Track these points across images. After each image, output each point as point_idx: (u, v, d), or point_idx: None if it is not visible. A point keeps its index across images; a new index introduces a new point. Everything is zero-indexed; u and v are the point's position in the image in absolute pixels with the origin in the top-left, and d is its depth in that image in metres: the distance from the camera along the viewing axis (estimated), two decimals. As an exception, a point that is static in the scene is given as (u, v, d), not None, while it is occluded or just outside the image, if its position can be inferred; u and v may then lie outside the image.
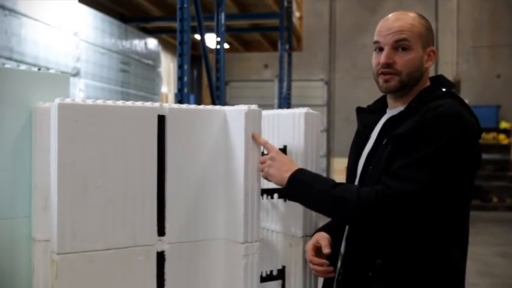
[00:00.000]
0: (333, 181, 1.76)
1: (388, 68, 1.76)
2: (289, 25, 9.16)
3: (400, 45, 1.75)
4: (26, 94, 1.77)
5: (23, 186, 1.77)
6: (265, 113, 1.94)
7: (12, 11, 4.84)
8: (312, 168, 1.90)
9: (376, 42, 1.80)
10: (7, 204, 1.75)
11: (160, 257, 1.70)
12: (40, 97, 1.78)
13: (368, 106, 1.98)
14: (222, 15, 5.82)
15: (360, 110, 2.00)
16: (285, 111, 1.98)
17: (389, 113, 1.84)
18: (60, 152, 1.53)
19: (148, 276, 1.68)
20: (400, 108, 1.80)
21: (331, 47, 13.76)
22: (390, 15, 1.83)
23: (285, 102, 9.20)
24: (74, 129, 1.54)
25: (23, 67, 1.84)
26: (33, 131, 1.77)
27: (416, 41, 1.76)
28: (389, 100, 1.87)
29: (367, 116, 1.95)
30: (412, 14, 1.81)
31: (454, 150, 1.63)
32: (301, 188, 1.75)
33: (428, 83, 1.83)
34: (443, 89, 1.79)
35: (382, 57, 1.76)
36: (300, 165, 1.86)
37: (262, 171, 1.79)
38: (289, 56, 9.53)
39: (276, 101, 11.50)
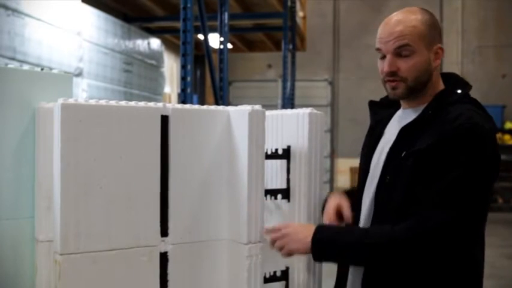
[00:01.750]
0: (360, 229, 1.68)
1: (393, 75, 1.71)
2: (293, 25, 9.15)
3: (402, 51, 1.70)
4: (29, 94, 1.77)
5: (26, 186, 1.77)
6: (268, 113, 1.93)
7: (16, 11, 4.84)
8: (315, 168, 1.89)
9: (378, 49, 1.75)
10: (10, 204, 1.75)
11: (164, 257, 1.70)
12: (43, 97, 1.78)
13: (381, 99, 1.92)
14: (226, 15, 5.81)
15: (372, 104, 1.95)
16: (288, 111, 1.98)
17: (404, 114, 1.79)
18: (63, 152, 1.52)
19: (152, 277, 1.67)
20: (415, 109, 1.75)
21: (335, 46, 13.75)
22: (391, 16, 1.76)
23: (289, 102, 9.20)
24: (77, 129, 1.54)
25: (26, 67, 1.84)
26: (36, 131, 1.77)
27: (419, 43, 1.69)
28: (402, 101, 1.82)
29: (379, 110, 1.91)
30: (413, 14, 1.73)
31: (482, 166, 1.59)
32: (329, 248, 1.67)
33: (440, 82, 1.78)
34: (459, 91, 1.74)
35: (385, 66, 1.71)
36: (304, 165, 1.86)
37: (282, 251, 1.72)
38: (293, 56, 9.52)
39: (279, 101, 11.51)
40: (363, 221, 1.78)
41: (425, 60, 1.71)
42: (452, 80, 1.81)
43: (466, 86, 1.78)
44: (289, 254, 1.74)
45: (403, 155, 1.68)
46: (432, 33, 1.73)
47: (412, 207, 1.61)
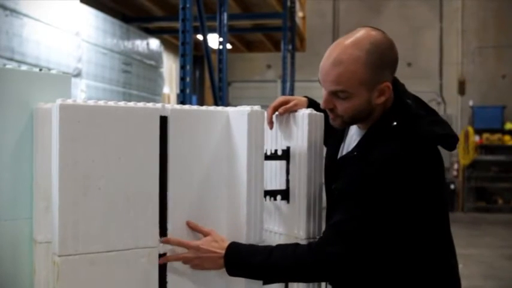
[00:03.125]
0: (266, 249, 1.68)
1: (329, 111, 1.70)
2: (292, 25, 9.14)
3: (338, 95, 1.64)
4: (28, 95, 1.77)
5: (24, 187, 1.76)
6: (268, 113, 1.92)
7: (14, 11, 4.83)
8: (315, 169, 1.88)
9: (318, 80, 1.71)
10: (8, 205, 1.75)
11: (163, 259, 1.69)
12: (41, 98, 1.77)
13: None
14: (225, 15, 5.80)
15: None
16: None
17: (353, 133, 1.80)
18: (61, 153, 1.52)
19: (151, 279, 1.67)
20: (360, 131, 1.76)
21: (334, 47, 13.74)
22: (333, 49, 1.65)
23: (288, 102, 9.16)
24: (76, 130, 1.53)
25: (24, 68, 1.83)
26: (34, 131, 1.76)
27: (357, 88, 1.61)
28: None
29: None
30: (359, 50, 1.59)
31: (378, 209, 1.59)
32: (241, 268, 1.68)
33: (388, 104, 1.68)
34: (395, 122, 1.64)
35: (322, 102, 1.70)
36: (303, 166, 1.85)
37: (194, 268, 1.71)
38: (292, 57, 9.51)
39: (278, 102, 11.47)
40: None
41: (365, 101, 1.64)
42: (395, 101, 1.70)
43: (406, 108, 1.67)
44: (202, 269, 1.73)
45: (333, 187, 1.73)
46: (377, 73, 1.61)
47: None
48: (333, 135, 1.90)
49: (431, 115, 1.71)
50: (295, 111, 1.90)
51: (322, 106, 1.71)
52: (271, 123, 1.92)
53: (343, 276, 1.66)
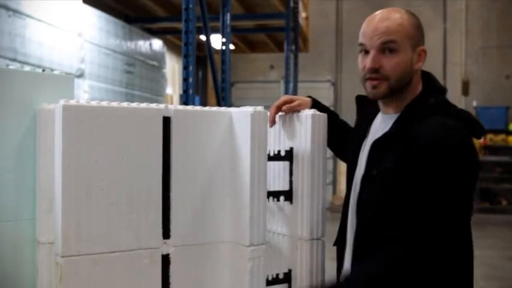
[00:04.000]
0: (358, 275, 1.63)
1: (375, 73, 1.67)
2: (296, 26, 9.14)
3: (387, 47, 1.65)
4: (30, 95, 1.76)
5: (27, 188, 1.76)
6: (271, 114, 1.92)
7: (16, 12, 4.84)
8: (318, 170, 1.87)
9: (361, 44, 1.70)
10: (11, 206, 1.74)
11: (166, 260, 1.69)
12: (44, 98, 1.77)
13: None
14: (228, 16, 5.80)
15: (359, 99, 1.93)
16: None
17: (382, 120, 1.77)
18: (64, 153, 1.52)
19: (153, 280, 1.66)
20: (392, 116, 1.72)
21: (338, 47, 13.74)
22: (377, 13, 1.72)
23: (291, 103, 9.16)
24: (79, 130, 1.53)
25: (27, 68, 1.83)
26: (37, 132, 1.76)
27: (404, 42, 1.65)
28: (380, 104, 1.79)
29: (365, 106, 1.88)
30: (399, 13, 1.69)
31: (450, 182, 1.55)
32: None
33: (419, 86, 1.73)
34: (432, 99, 1.68)
35: (368, 62, 1.66)
36: (306, 167, 1.85)
37: None
38: (296, 57, 9.51)
39: (281, 102, 11.46)
40: (349, 233, 1.79)
41: (409, 60, 1.67)
42: (428, 84, 1.74)
43: (440, 91, 1.72)
44: None
45: (374, 173, 1.66)
46: (417, 34, 1.70)
47: (387, 232, 1.58)
48: (354, 136, 1.88)
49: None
50: (299, 111, 1.89)
51: (368, 66, 1.67)
52: (272, 122, 1.91)
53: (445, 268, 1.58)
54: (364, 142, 1.81)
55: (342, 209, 1.87)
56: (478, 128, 1.67)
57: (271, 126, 1.90)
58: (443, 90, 1.74)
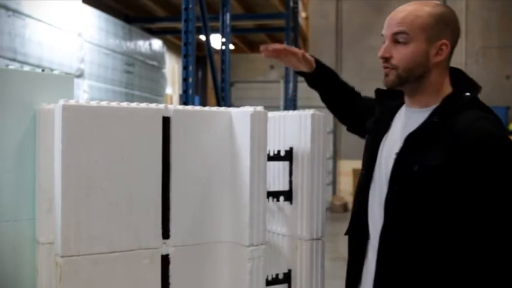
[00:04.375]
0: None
1: (385, 62, 1.70)
2: (295, 26, 9.13)
3: (398, 37, 1.67)
4: (30, 95, 1.76)
5: (26, 188, 1.76)
6: (271, 114, 1.92)
7: (16, 12, 4.83)
8: (318, 170, 1.87)
9: (382, 35, 1.73)
10: (11, 206, 1.74)
11: (165, 260, 1.69)
12: (44, 98, 1.77)
13: (388, 89, 1.84)
14: (228, 16, 5.80)
15: (379, 93, 1.91)
16: (291, 112, 1.97)
17: (409, 114, 1.75)
18: (64, 153, 1.52)
19: (153, 280, 1.66)
20: (419, 110, 1.71)
21: (338, 48, 13.73)
22: (405, 4, 1.72)
23: (291, 103, 9.18)
24: (78, 130, 1.53)
25: (26, 68, 1.83)
26: (37, 132, 1.76)
27: (418, 34, 1.65)
28: (406, 97, 1.78)
29: (386, 100, 1.86)
30: (426, 6, 1.68)
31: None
32: None
33: (446, 82, 1.72)
34: (467, 94, 1.69)
35: (380, 51, 1.70)
36: (306, 167, 1.85)
37: None
38: (295, 57, 9.48)
39: (282, 103, 11.48)
40: (373, 226, 1.76)
41: (422, 53, 1.67)
42: (459, 79, 1.75)
43: (474, 87, 1.73)
44: None
45: (416, 168, 1.63)
46: (439, 27, 1.67)
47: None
48: (374, 128, 1.86)
49: None
50: (299, 61, 2.03)
51: (380, 54, 1.70)
52: (268, 50, 2.02)
53: None
54: (385, 136, 1.79)
55: (356, 201, 1.84)
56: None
57: (265, 54, 2.02)
58: (477, 86, 1.74)
